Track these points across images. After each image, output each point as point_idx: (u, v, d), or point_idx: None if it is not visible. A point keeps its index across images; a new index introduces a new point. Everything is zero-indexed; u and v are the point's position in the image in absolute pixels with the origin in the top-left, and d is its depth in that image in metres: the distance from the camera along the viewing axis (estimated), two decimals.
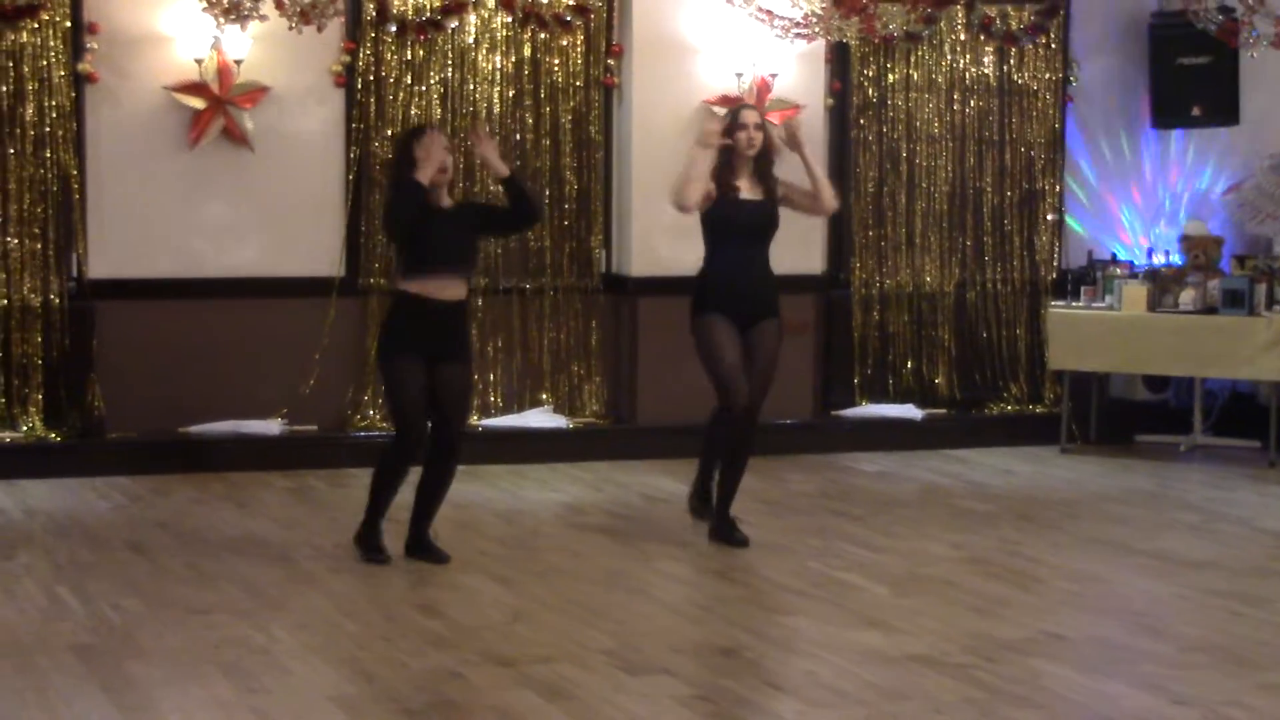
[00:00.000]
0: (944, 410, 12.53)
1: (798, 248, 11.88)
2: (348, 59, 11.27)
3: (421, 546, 8.42)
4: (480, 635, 7.09)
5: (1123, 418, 12.56)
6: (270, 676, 6.46)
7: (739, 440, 8.82)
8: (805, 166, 8.94)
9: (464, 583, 8.05)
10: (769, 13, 11.52)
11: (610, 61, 11.77)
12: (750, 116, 8.87)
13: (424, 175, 8.14)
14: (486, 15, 11.50)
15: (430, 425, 8.37)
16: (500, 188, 8.55)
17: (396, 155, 8.46)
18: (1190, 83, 12.64)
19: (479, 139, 8.60)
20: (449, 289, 8.25)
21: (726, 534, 8.86)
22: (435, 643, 6.96)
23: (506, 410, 11.71)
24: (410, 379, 8.21)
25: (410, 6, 11.33)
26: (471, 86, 11.51)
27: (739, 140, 8.77)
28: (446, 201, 8.36)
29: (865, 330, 12.44)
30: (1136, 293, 11.79)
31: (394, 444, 8.38)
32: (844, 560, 8.61)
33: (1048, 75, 12.70)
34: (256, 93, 11.02)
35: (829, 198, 9.03)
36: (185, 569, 8.27)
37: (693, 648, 7.03)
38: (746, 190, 8.82)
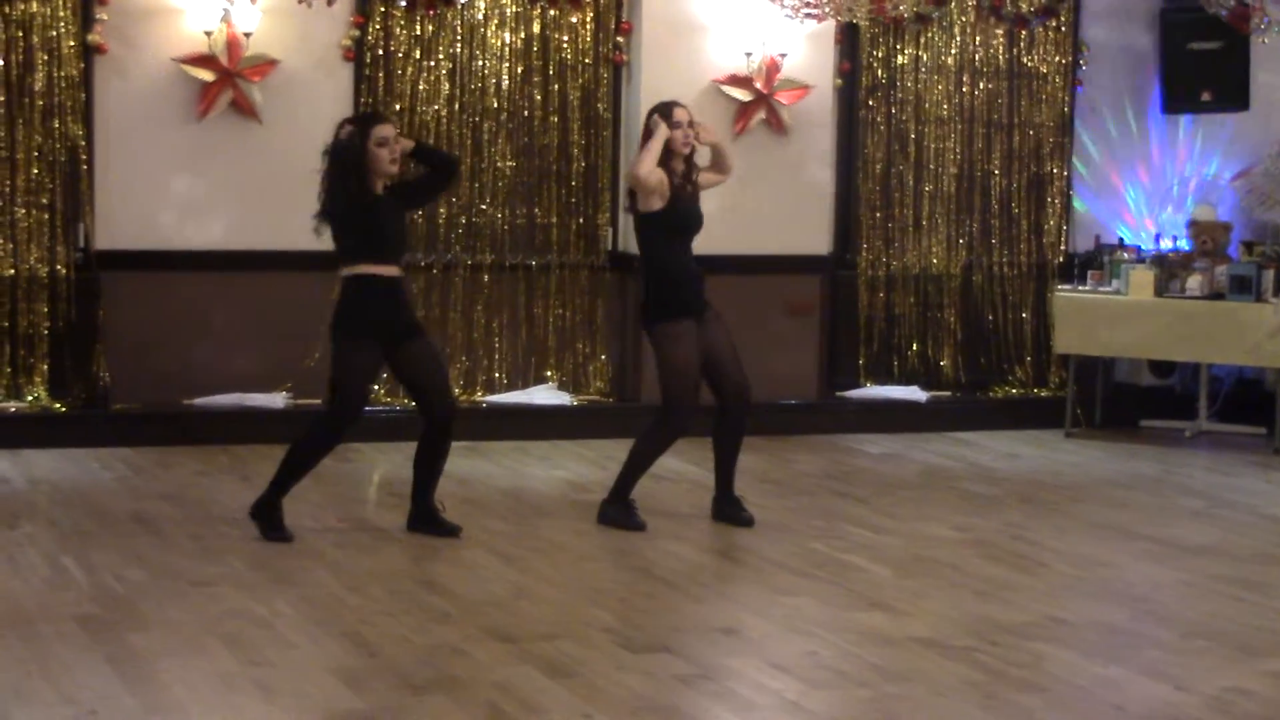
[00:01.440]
0: (949, 393, 12.53)
1: (805, 228, 11.88)
2: (357, 33, 11.24)
3: (428, 520, 8.43)
4: (483, 611, 7.09)
5: (1128, 403, 12.56)
6: (273, 649, 6.46)
7: (737, 421, 8.86)
8: (719, 152, 8.99)
9: (467, 558, 8.05)
10: None
11: (619, 39, 11.75)
12: (684, 114, 8.74)
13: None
14: None
15: (418, 403, 8.45)
16: (415, 161, 8.62)
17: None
18: (1200, 68, 12.61)
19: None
20: (390, 269, 8.29)
21: (733, 513, 8.87)
22: (438, 618, 6.97)
23: (511, 387, 11.71)
24: (367, 362, 8.27)
25: None
26: (480, 62, 11.49)
27: (674, 139, 8.67)
28: (380, 190, 8.33)
29: (871, 311, 12.42)
30: (1143, 277, 11.78)
31: (326, 421, 8.35)
32: (847, 541, 8.62)
33: (1057, 59, 12.67)
34: (265, 66, 11.00)
35: (731, 160, 9.11)
36: (189, 541, 8.27)
37: (695, 626, 7.03)
38: (684, 181, 8.79)
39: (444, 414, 8.37)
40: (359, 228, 8.23)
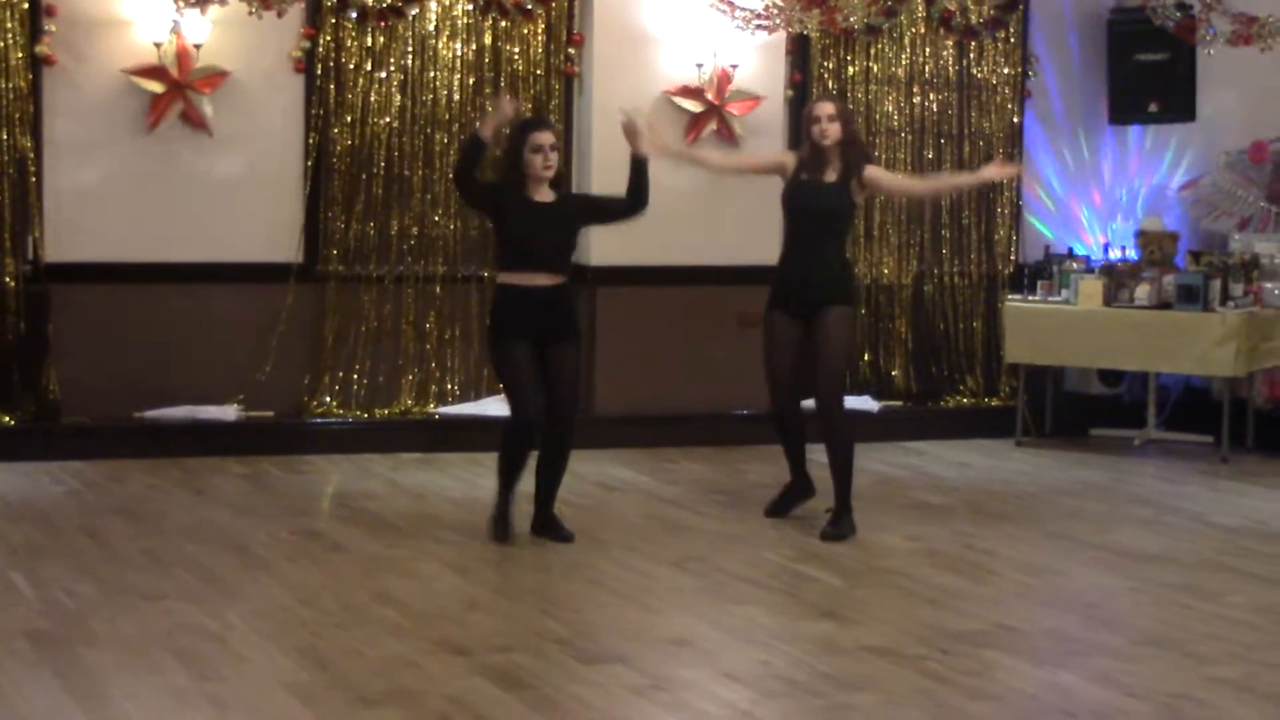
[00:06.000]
0: (900, 403, 12.57)
1: (757, 239, 11.88)
2: (308, 45, 11.23)
3: (549, 525, 8.65)
4: (436, 624, 7.08)
5: (1077, 411, 12.63)
6: (225, 664, 6.44)
7: (825, 435, 9.09)
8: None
9: (420, 571, 8.04)
10: (730, 4, 11.53)
11: (571, 50, 11.76)
12: (820, 109, 9.09)
13: (485, 130, 8.61)
14: (447, 3, 11.47)
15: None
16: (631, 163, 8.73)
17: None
18: (1148, 79, 12.69)
19: (647, 127, 8.86)
20: (543, 278, 8.47)
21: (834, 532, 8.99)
22: (391, 631, 6.96)
23: (464, 398, 11.69)
24: (519, 356, 8.43)
25: None
26: (432, 74, 11.49)
27: (812, 133, 9.03)
28: (547, 196, 8.57)
29: None
30: (1092, 287, 11.84)
31: (509, 424, 8.57)
32: (799, 551, 8.64)
33: (1006, 70, 12.74)
34: (216, 77, 10.97)
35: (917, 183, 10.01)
36: (140, 555, 8.24)
37: (647, 637, 7.03)
38: (830, 175, 9.04)
39: (557, 418, 8.51)
40: (503, 236, 8.57)
